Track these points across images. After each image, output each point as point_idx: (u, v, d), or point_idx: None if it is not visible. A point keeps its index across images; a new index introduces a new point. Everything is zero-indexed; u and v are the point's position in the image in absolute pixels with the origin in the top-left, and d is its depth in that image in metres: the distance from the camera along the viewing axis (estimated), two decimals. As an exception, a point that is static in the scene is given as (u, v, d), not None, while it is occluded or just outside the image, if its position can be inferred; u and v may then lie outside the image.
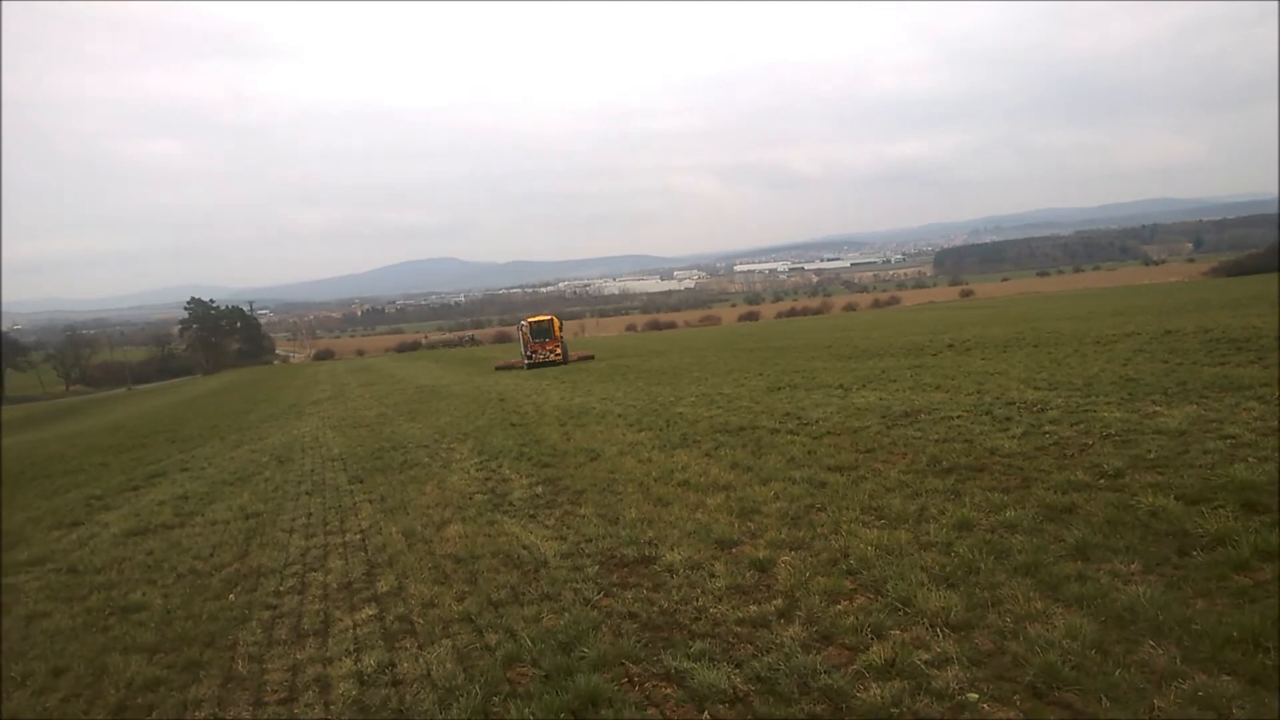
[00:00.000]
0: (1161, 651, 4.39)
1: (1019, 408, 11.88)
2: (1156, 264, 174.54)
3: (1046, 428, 10.16)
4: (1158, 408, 10.71)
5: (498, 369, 44.07)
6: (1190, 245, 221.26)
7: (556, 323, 45.32)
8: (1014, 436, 9.84)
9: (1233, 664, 4.20)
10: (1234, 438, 8.49)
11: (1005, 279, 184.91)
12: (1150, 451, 8.29)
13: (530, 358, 43.41)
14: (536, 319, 45.76)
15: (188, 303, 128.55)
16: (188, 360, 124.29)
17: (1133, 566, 5.50)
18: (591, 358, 44.92)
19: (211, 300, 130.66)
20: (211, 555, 9.21)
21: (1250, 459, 7.55)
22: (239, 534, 10.13)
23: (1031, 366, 17.45)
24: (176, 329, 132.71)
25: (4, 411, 67.98)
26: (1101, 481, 7.46)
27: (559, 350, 43.93)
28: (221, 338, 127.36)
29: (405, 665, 5.57)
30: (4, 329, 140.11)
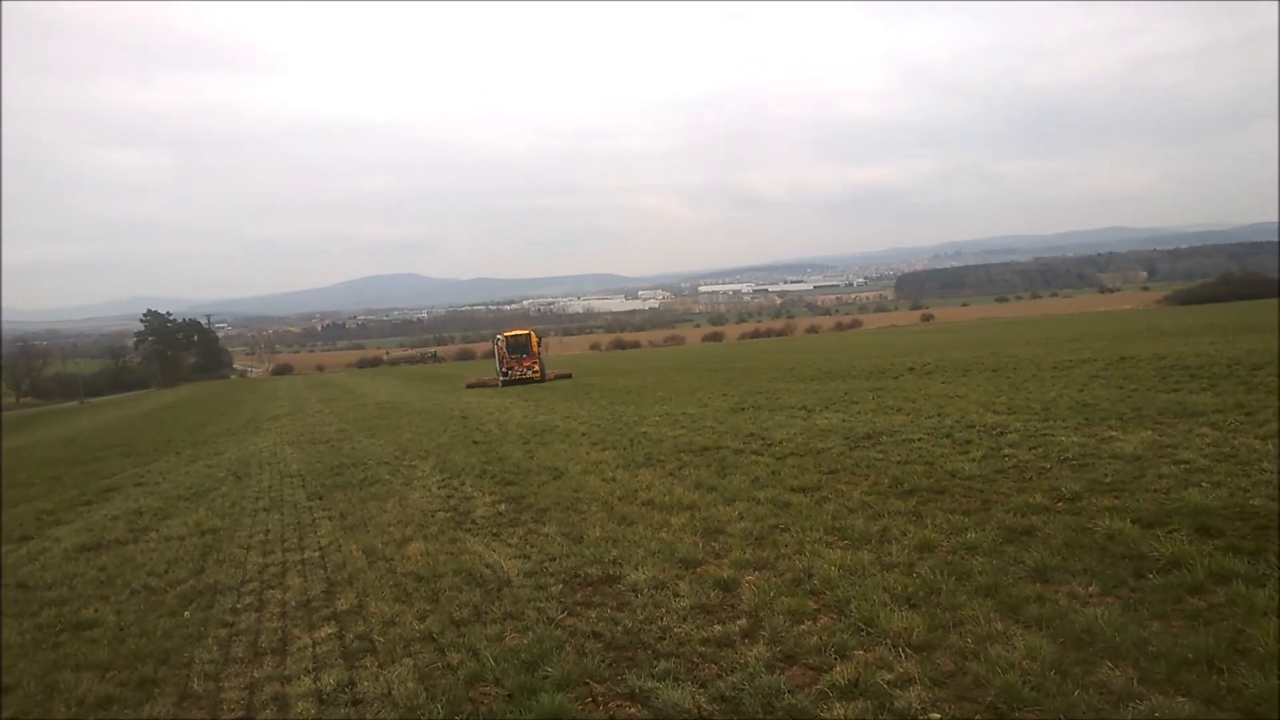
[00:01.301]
0: (1119, 673, 4.46)
1: (979, 431, 12.04)
2: (1112, 291, 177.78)
3: (1006, 451, 10.30)
4: (1114, 432, 10.91)
5: (469, 386, 42.40)
6: (1145, 274, 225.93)
7: (534, 338, 43.64)
8: (974, 459, 9.97)
9: (1188, 685, 4.28)
10: (1188, 463, 8.67)
11: (965, 304, 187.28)
12: (1107, 476, 8.44)
13: (506, 375, 41.81)
14: (513, 333, 43.98)
15: (144, 315, 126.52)
16: (142, 373, 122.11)
17: (1090, 588, 5.58)
18: (569, 376, 43.48)
19: (168, 313, 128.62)
20: (166, 571, 9.04)
21: (1204, 484, 7.72)
22: (195, 550, 9.96)
23: (991, 390, 17.69)
24: (132, 341, 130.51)
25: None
26: (1060, 504, 7.57)
27: (536, 367, 42.30)
28: (177, 351, 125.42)
29: (365, 684, 5.50)
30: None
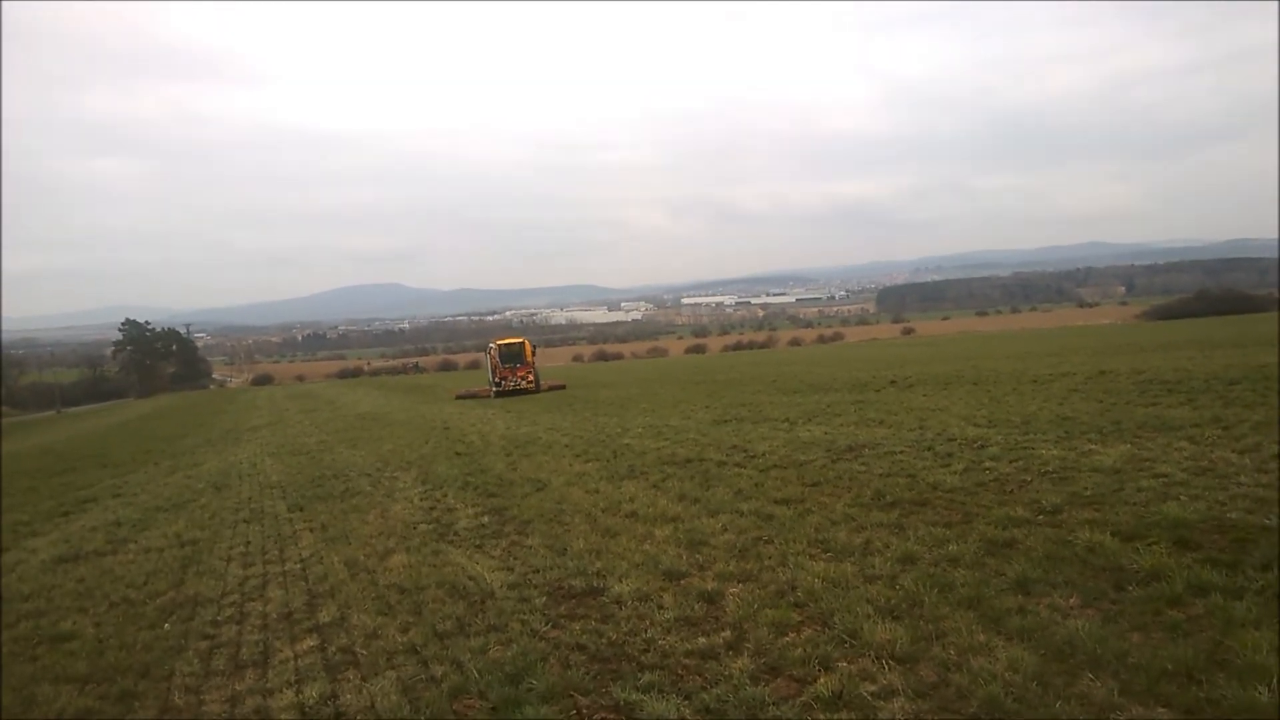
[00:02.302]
0: (1100, 684, 4.50)
1: (960, 444, 12.12)
2: (1091, 306, 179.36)
3: (987, 464, 10.38)
4: (1093, 446, 11.01)
5: (459, 398, 40.86)
6: (1123, 289, 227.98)
7: (529, 347, 41.90)
8: (955, 472, 10.04)
9: (1168, 697, 4.32)
10: (1166, 476, 8.76)
11: (946, 318, 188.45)
12: (1087, 489, 8.52)
13: (499, 385, 40.12)
14: (506, 342, 42.23)
15: (122, 324, 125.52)
16: (120, 383, 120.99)
17: (1071, 600, 5.63)
18: (563, 387, 41.78)
19: (147, 322, 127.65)
20: (145, 583, 8.97)
21: (1182, 497, 7.80)
22: (174, 562, 9.89)
23: (972, 404, 17.81)
24: (109, 350, 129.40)
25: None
26: (1040, 517, 7.64)
27: (531, 377, 40.71)
28: (156, 360, 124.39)
29: (348, 697, 5.48)
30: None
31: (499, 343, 42.42)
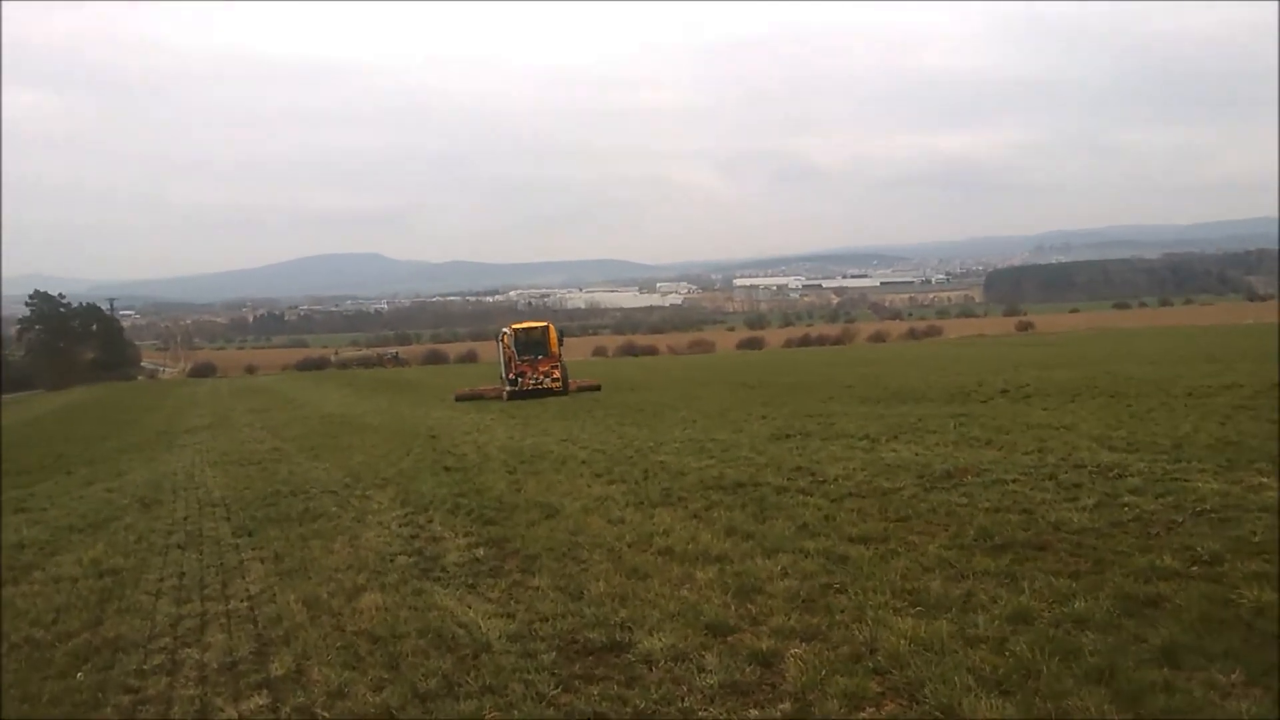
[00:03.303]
0: (1268, 785, 4.44)
1: (1090, 472, 12.00)
2: (1264, 300, 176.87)
3: (1125, 499, 10.27)
4: (1264, 479, 10.85)
5: (460, 399, 40.12)
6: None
7: (553, 333, 41.14)
8: (1084, 508, 9.94)
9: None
10: (1359, 520, 8.62)
11: (1074, 310, 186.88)
12: (1255, 533, 8.40)
13: (515, 382, 39.10)
14: (526, 326, 41.54)
15: (30, 296, 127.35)
16: (27, 370, 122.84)
17: (1233, 676, 5.56)
18: (598, 388, 41.12)
19: (61, 295, 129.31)
20: (55, 622, 9.11)
21: (1380, 547, 7.67)
22: (90, 595, 10.03)
23: (1107, 421, 17.63)
24: (14, 330, 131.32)
25: None
26: (1194, 569, 7.55)
27: (557, 373, 39.76)
28: (71, 343, 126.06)
29: (305, 771, 5.53)
30: None
31: (516, 328, 41.43)
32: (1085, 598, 7.01)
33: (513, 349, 40.01)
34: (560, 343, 41.26)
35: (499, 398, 39.17)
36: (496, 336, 45.00)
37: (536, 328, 41.67)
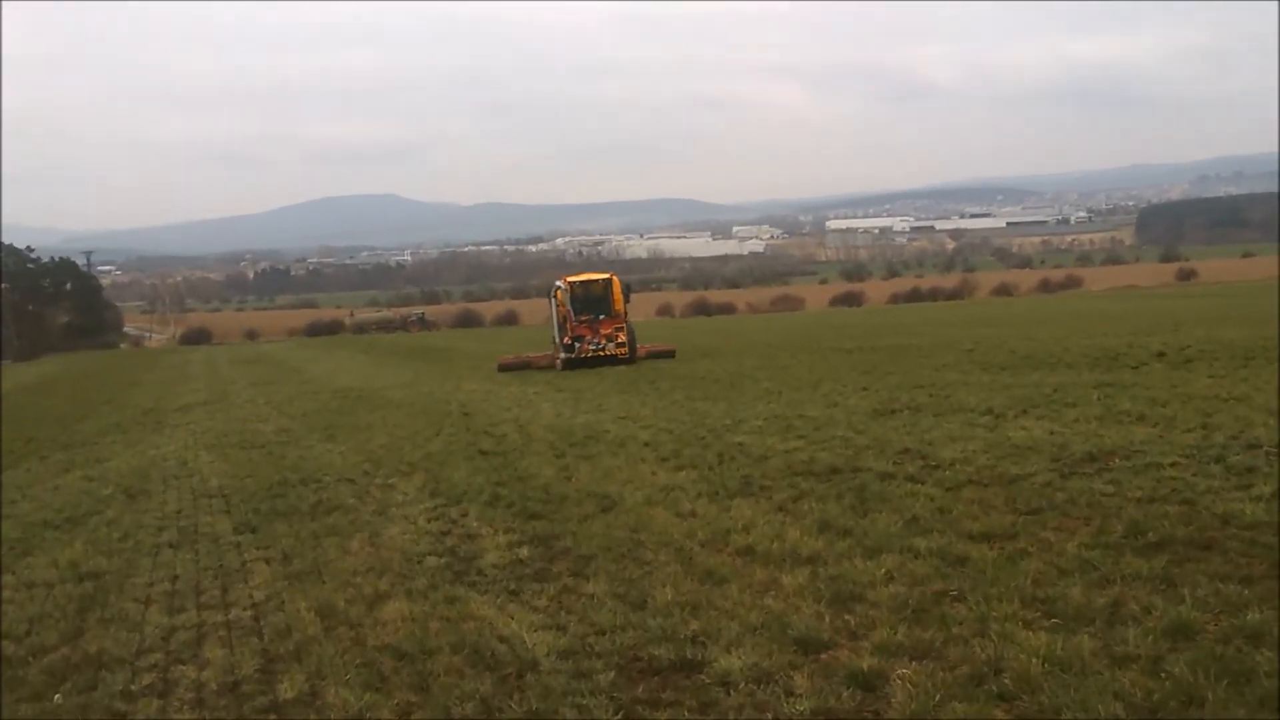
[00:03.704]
0: None
1: (1268, 454, 11.82)
2: None
3: (1310, 486, 10.09)
4: None
5: (503, 368, 40.07)
6: None
7: (618, 287, 40.46)
8: (1260, 498, 9.78)
9: None
10: None
11: (1247, 254, 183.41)
12: None
13: (571, 348, 38.70)
14: (584, 279, 40.87)
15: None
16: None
17: None
18: (673, 354, 41.23)
19: (30, 248, 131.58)
20: (28, 634, 9.27)
21: None
22: (69, 603, 10.18)
23: (1288, 391, 17.33)
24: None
25: None
26: (1396, 572, 7.41)
27: (623, 337, 39.21)
28: (43, 305, 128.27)
29: (320, 811, 5.62)
30: None
31: (572, 280, 40.84)
32: (1260, 608, 6.90)
33: (568, 307, 39.32)
34: (626, 299, 40.52)
35: (551, 367, 39.05)
36: (548, 292, 44.30)
37: (597, 280, 40.91)
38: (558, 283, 41.60)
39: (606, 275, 41.38)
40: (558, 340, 39.67)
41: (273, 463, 18.61)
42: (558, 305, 40.26)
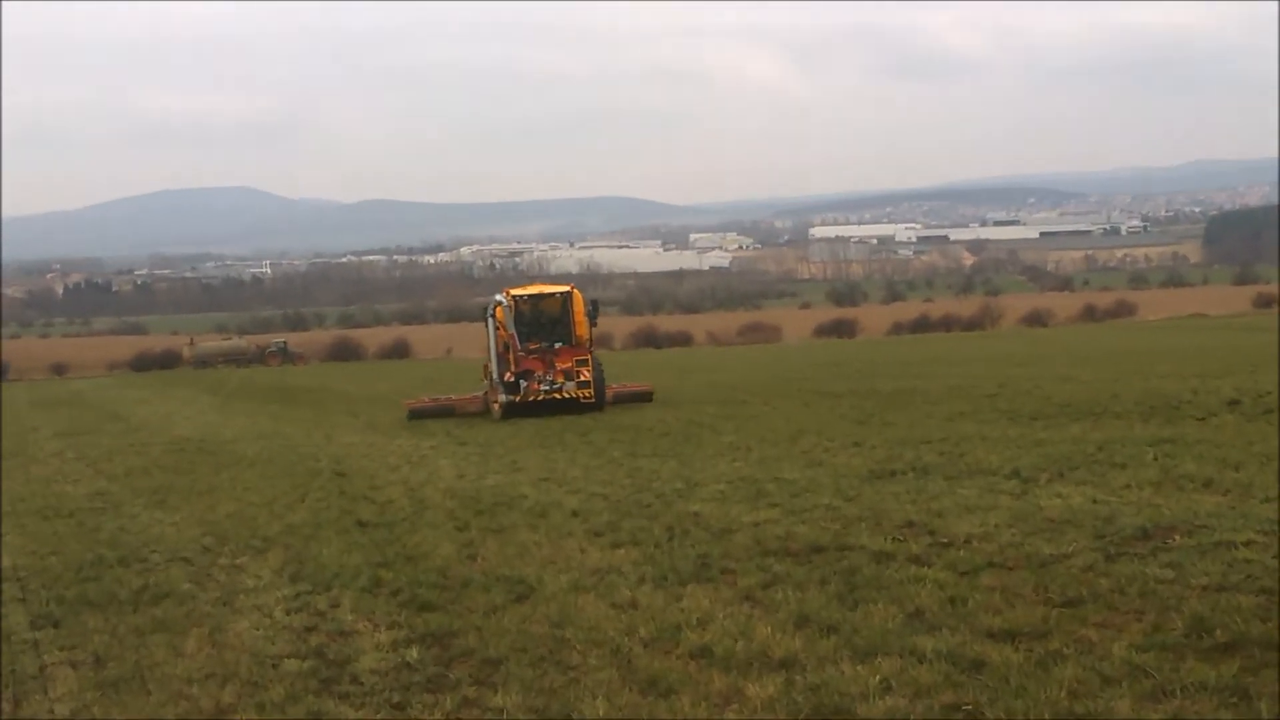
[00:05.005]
0: None
1: (1368, 531, 11.95)
2: None
3: None
4: None
5: (414, 415, 38.68)
6: None
7: (579, 304, 39.51)
8: (1358, 588, 9.90)
9: None
10: None
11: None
12: None
13: (515, 388, 36.92)
14: (532, 292, 40.52)
15: None
16: None
17: None
18: (649, 397, 40.53)
19: None
20: None
21: None
22: None
23: (1394, 451, 17.57)
24: None
25: None
26: None
27: (588, 373, 38.00)
28: None
29: None
30: None
31: (517, 295, 39.51)
32: (1361, 730, 6.98)
33: (511, 331, 37.48)
34: (593, 321, 39.51)
35: (483, 412, 38.25)
36: (486, 311, 41.57)
37: (552, 295, 39.78)
38: (497, 297, 39.25)
39: (566, 288, 40.37)
40: (495, 377, 37.66)
41: (84, 536, 18.42)
42: (497, 328, 38.22)
